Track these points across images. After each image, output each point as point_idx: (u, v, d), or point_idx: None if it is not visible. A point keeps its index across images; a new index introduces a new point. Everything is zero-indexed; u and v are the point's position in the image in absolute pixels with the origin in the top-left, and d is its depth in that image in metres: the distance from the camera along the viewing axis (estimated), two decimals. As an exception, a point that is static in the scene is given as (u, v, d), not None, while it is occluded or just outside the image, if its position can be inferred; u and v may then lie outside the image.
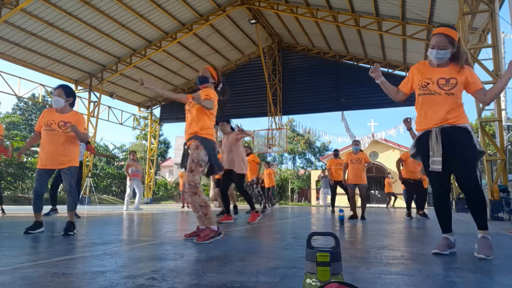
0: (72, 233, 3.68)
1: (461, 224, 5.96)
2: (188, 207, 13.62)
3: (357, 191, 7.37)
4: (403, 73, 16.44)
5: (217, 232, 3.14)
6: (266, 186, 13.00)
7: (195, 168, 3.17)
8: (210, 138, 3.30)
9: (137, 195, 10.57)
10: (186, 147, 3.39)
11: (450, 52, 2.70)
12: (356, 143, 7.60)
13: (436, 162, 2.66)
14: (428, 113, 2.77)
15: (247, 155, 9.57)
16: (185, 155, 3.37)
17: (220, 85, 3.51)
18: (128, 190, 10.42)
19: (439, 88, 2.73)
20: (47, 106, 30.81)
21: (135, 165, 10.47)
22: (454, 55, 2.73)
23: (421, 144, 2.83)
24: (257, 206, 6.97)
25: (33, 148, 20.61)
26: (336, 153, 10.20)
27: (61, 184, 6.92)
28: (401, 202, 17.21)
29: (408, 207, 8.13)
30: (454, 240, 2.76)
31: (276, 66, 18.84)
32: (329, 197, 11.73)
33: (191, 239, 3.36)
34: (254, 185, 9.38)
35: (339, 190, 9.35)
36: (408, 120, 4.38)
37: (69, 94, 3.97)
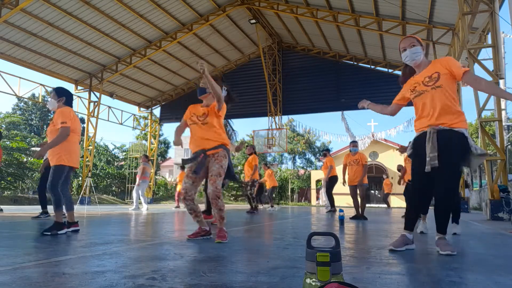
0: (49, 233, 3.67)
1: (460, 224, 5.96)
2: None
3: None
4: (403, 73, 16.41)
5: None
6: (268, 187, 13.04)
7: (223, 174, 3.39)
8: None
9: (143, 196, 10.81)
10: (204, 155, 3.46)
11: (421, 49, 2.83)
12: (354, 144, 7.58)
13: (433, 158, 2.65)
14: (423, 112, 2.79)
15: (249, 155, 9.56)
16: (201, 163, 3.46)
17: (223, 92, 3.58)
18: (140, 192, 10.71)
19: (425, 86, 2.75)
20: (47, 106, 30.74)
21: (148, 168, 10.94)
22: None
23: (417, 145, 2.85)
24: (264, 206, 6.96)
25: (33, 148, 20.58)
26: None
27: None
28: (399, 202, 17.20)
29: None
30: (412, 237, 2.86)
31: (276, 66, 18.84)
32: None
33: (195, 239, 3.41)
34: (249, 187, 9.41)
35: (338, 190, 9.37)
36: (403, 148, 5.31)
37: (60, 94, 4.10)
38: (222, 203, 3.33)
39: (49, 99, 4.07)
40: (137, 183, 10.66)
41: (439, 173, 2.63)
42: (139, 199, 10.75)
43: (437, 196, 2.68)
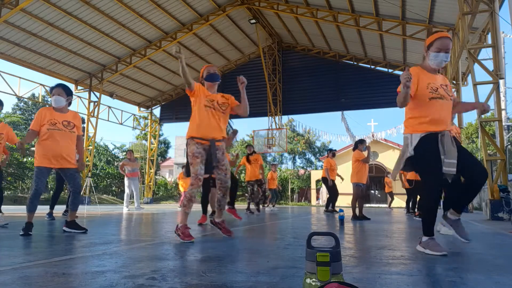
0: (82, 231, 3.95)
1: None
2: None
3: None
4: (403, 73, 16.40)
5: None
6: (268, 187, 13.14)
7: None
8: None
9: (135, 195, 10.48)
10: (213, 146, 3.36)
11: None
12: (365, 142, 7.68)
13: (452, 165, 2.67)
14: (441, 115, 2.78)
15: (250, 154, 9.37)
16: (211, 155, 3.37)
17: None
18: (127, 190, 10.38)
19: (446, 93, 2.83)
20: (47, 106, 30.68)
21: (131, 164, 10.33)
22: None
23: (428, 145, 2.76)
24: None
25: (33, 148, 20.59)
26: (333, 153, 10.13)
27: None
28: (400, 203, 17.20)
29: (417, 207, 7.94)
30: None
31: (276, 66, 18.84)
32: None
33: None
34: (251, 187, 9.41)
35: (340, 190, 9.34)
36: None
37: (69, 93, 4.04)
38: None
39: (54, 96, 3.87)
40: (126, 181, 10.44)
41: (472, 166, 2.69)
42: (131, 198, 10.60)
43: (478, 184, 2.67)
